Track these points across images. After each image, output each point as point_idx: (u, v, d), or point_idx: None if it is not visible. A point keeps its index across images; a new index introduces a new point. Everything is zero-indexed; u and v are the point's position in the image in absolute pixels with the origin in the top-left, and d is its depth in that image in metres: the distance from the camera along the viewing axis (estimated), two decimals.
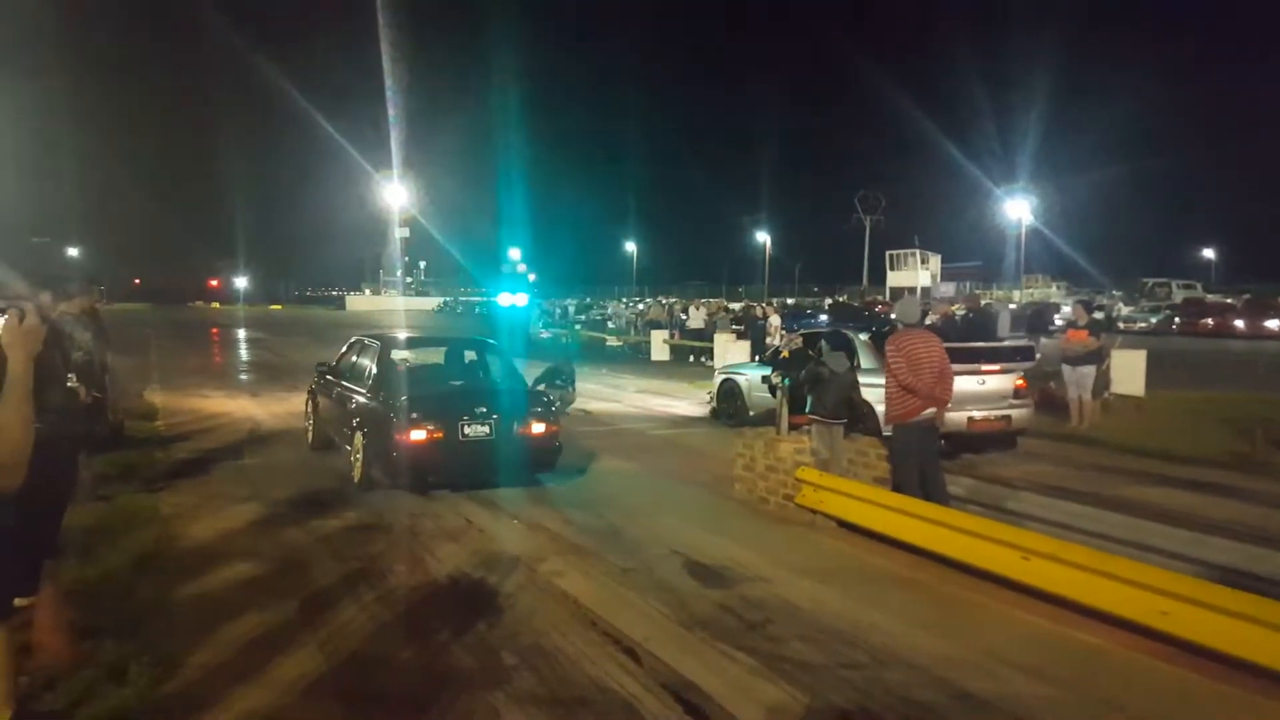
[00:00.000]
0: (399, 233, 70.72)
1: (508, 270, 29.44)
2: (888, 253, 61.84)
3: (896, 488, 6.97)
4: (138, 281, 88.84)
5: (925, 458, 7.03)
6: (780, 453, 7.89)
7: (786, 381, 8.42)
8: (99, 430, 8.04)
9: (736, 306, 37.00)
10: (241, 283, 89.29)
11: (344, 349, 10.10)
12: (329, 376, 9.91)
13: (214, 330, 41.73)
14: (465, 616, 5.07)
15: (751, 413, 12.03)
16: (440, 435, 7.83)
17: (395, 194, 62.16)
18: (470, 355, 9.91)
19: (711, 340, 22.74)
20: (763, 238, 68.94)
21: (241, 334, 39.08)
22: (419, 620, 5.05)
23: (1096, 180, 67.85)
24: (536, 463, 8.50)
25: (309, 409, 10.48)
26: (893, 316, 9.49)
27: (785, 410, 8.36)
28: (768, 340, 19.66)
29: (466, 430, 7.99)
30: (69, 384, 5.33)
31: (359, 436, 8.29)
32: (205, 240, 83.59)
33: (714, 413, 13.28)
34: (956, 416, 9.22)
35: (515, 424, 8.21)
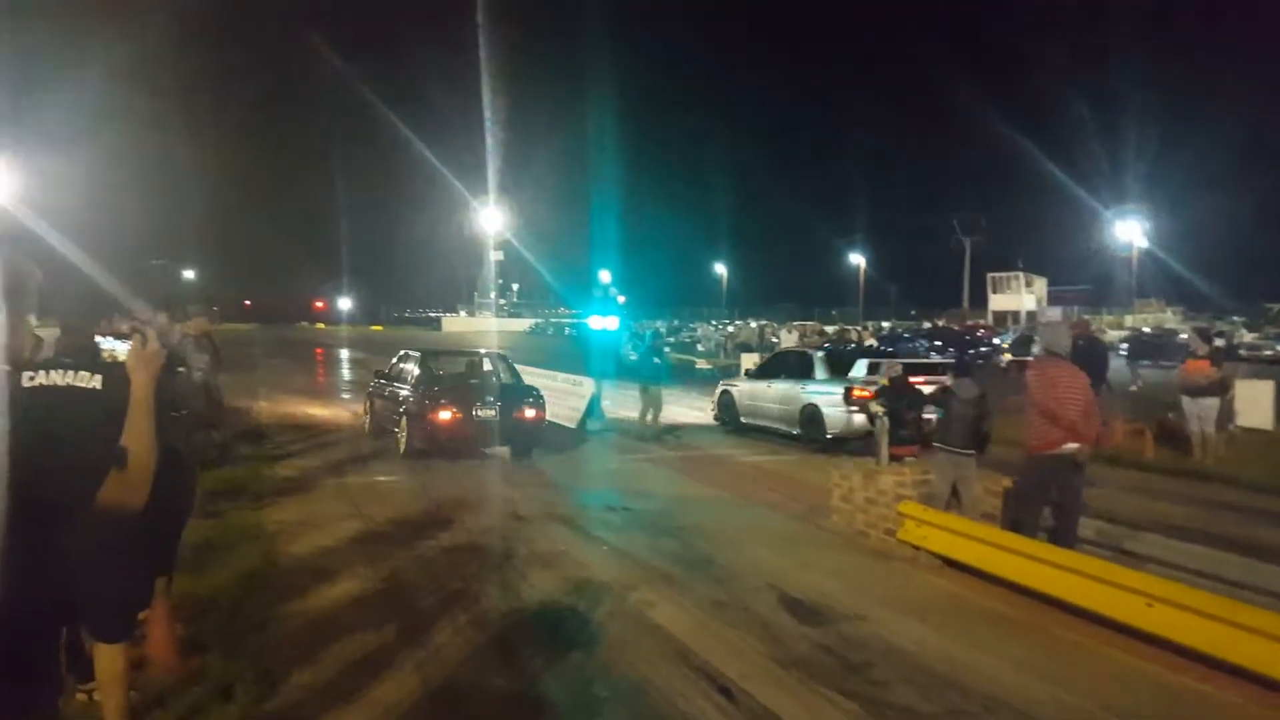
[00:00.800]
0: (493, 256, 72.46)
1: (599, 294, 29.70)
2: (989, 275, 59.92)
3: (1015, 524, 6.61)
4: (248, 303, 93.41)
5: (1063, 495, 6.65)
6: (881, 485, 7.63)
7: (876, 407, 8.19)
8: (212, 448, 8.39)
9: (830, 330, 36.43)
10: (345, 304, 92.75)
11: (394, 360, 12.97)
12: (382, 381, 12.94)
13: (318, 350, 43.34)
14: (557, 645, 5.02)
15: (742, 419, 14.45)
16: (460, 415, 10.88)
17: (491, 218, 63.77)
18: (486, 364, 13.01)
19: None
20: (857, 259, 67.68)
21: (344, 354, 40.45)
22: (512, 646, 5.03)
23: (1215, 199, 64.45)
24: (528, 435, 11.48)
25: (367, 407, 13.43)
26: (1034, 348, 9.15)
27: (885, 441, 8.10)
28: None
29: (477, 412, 11.02)
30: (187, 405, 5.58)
31: (404, 420, 11.28)
32: (312, 263, 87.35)
33: (716, 418, 15.23)
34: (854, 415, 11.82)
35: (513, 409, 11.20)
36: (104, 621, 3.37)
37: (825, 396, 12.35)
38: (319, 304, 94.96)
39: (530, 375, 18.10)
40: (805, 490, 9.46)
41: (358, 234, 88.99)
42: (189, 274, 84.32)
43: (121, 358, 2.46)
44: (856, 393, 11.06)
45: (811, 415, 12.57)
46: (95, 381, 2.76)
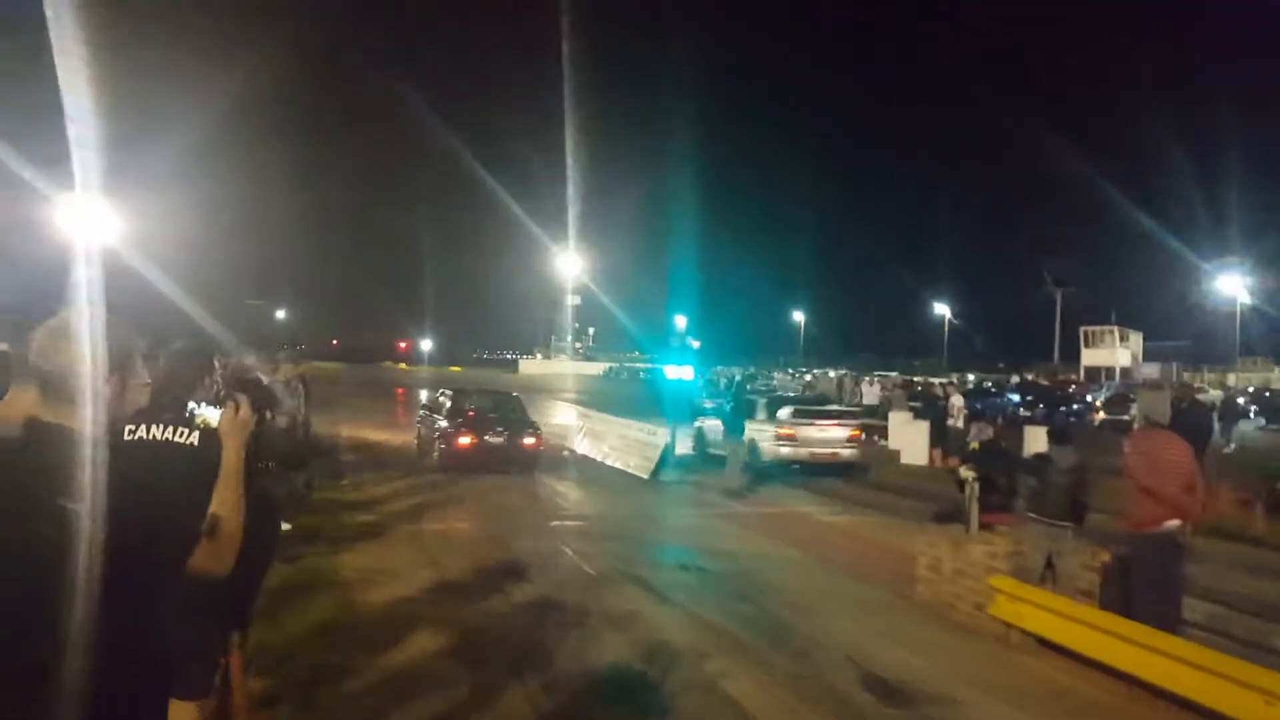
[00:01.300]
0: (570, 301, 73.39)
1: (675, 343, 29.60)
2: (1081, 329, 57.69)
3: (1122, 606, 6.19)
4: (335, 342, 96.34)
5: (1165, 574, 6.22)
6: (971, 555, 7.27)
7: (966, 472, 7.83)
8: (296, 494, 8.45)
9: (913, 381, 35.59)
10: (427, 345, 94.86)
11: (436, 395, 16.71)
12: (425, 412, 16.87)
13: (399, 390, 44.09)
14: (629, 714, 4.85)
15: (710, 450, 16.57)
16: (476, 440, 14.06)
17: (569, 264, 64.66)
18: (502, 401, 16.59)
19: (885, 418, 21.83)
20: (941, 309, 65.89)
21: (423, 394, 41.12)
22: (583, 714, 4.87)
23: None
24: (528, 459, 14.42)
25: (418, 433, 16.63)
26: (1132, 412, 8.76)
27: (975, 508, 7.74)
28: (949, 423, 18.53)
29: (489, 438, 14.14)
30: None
31: (438, 442, 14.50)
32: (396, 305, 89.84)
33: (694, 448, 17.14)
34: (801, 452, 15.76)
35: (517, 438, 14.35)
36: (182, 679, 3.35)
37: (762, 432, 15.83)
38: (402, 345, 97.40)
39: (603, 422, 18.21)
40: (887, 555, 9.10)
41: (441, 277, 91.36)
42: (281, 314, 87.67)
43: (213, 423, 2.44)
44: (958, 467, 10.40)
45: (751, 447, 15.30)
46: (192, 438, 2.77)
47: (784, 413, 16.26)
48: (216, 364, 4.17)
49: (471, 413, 14.94)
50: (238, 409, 2.42)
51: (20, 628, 1.75)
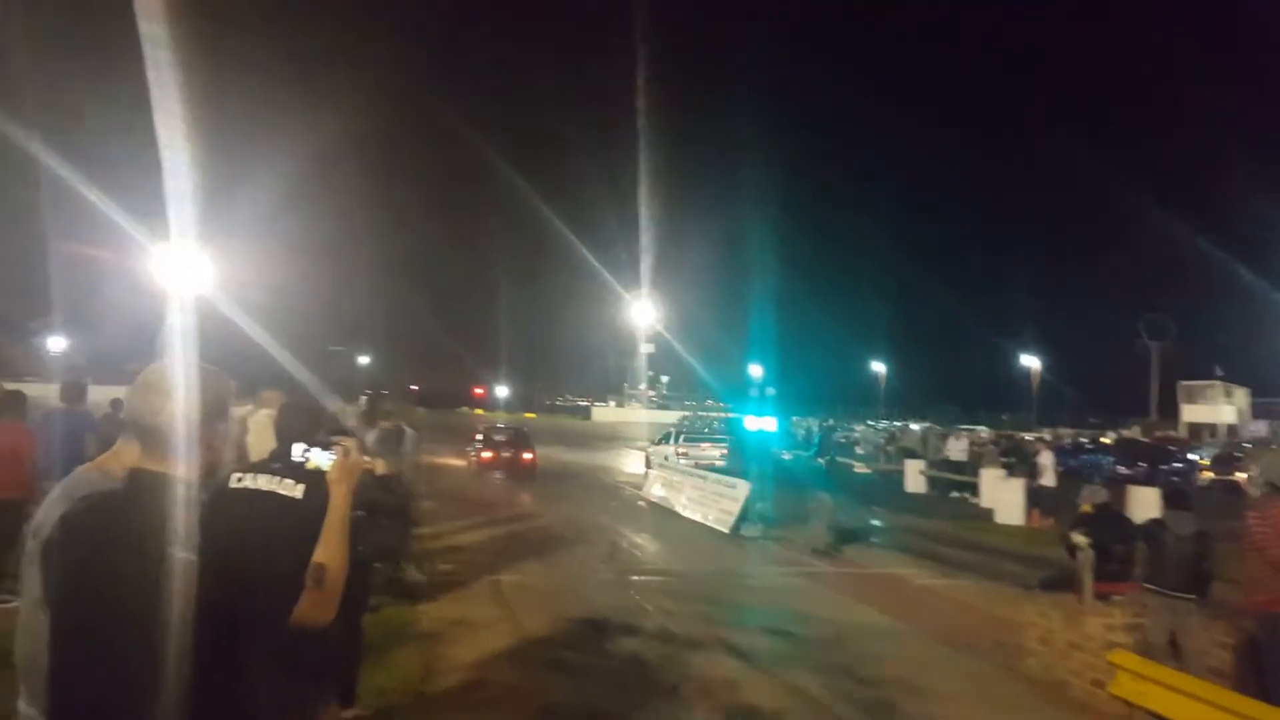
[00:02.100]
0: (644, 348, 73.42)
1: (755, 393, 29.14)
2: (1181, 384, 54.88)
3: (1248, 686, 5.58)
4: (414, 387, 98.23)
5: None
6: (1087, 628, 6.72)
7: (1078, 538, 7.26)
8: (394, 543, 8.26)
9: (1001, 436, 34.30)
10: (502, 392, 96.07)
11: (477, 431, 25.36)
12: (474, 439, 24.80)
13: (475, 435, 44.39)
14: None
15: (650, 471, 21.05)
16: (494, 455, 22.87)
17: (643, 311, 64.97)
18: (513, 432, 25.38)
19: (974, 474, 20.94)
20: (1030, 361, 63.30)
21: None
22: None
23: None
24: (525, 469, 22.32)
25: (467, 454, 24.41)
26: (1244, 472, 8.11)
27: (1089, 577, 7.18)
28: (1039, 481, 17.62)
29: (501, 454, 22.75)
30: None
31: (473, 456, 23.72)
32: (473, 351, 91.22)
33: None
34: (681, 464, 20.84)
35: (520, 453, 22.94)
36: None
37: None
38: (478, 391, 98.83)
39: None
40: (991, 624, 8.51)
41: (516, 324, 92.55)
42: (364, 360, 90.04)
43: (324, 467, 2.39)
44: (1070, 532, 9.66)
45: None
46: (297, 491, 2.72)
47: (675, 439, 25.77)
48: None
49: (493, 439, 24.25)
50: (348, 453, 2.36)
51: (121, 675, 1.74)
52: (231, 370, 2.11)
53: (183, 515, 1.80)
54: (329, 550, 2.23)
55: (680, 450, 23.60)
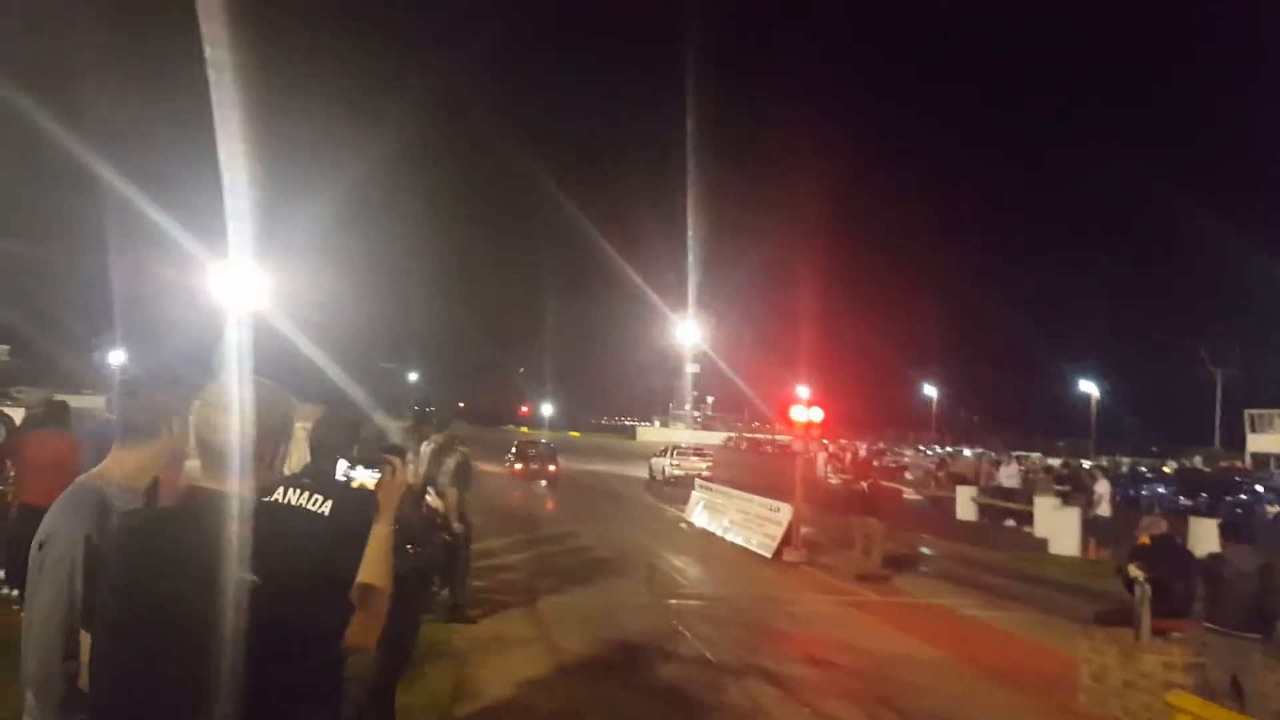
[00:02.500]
0: (689, 368, 73.23)
1: (799, 412, 28.69)
2: (1247, 412, 52.82)
3: None
4: (461, 404, 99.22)
5: None
6: (1144, 666, 6.42)
7: (1134, 571, 6.93)
8: (447, 566, 8.15)
9: (1055, 463, 33.36)
10: (547, 410, 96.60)
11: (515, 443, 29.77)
12: (510, 453, 28.73)
13: (511, 449, 44.45)
14: None
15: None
16: (526, 466, 27.70)
17: (688, 331, 64.78)
18: (542, 447, 29.98)
19: (1028, 502, 20.33)
20: (1088, 387, 61.45)
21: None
22: None
23: None
24: (551, 478, 26.87)
25: (506, 462, 27.42)
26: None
27: (1147, 613, 6.86)
28: (1095, 512, 17.03)
29: (531, 466, 27.65)
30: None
31: (509, 466, 28.06)
32: (520, 369, 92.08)
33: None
34: (675, 471, 29.23)
35: (546, 465, 27.66)
36: None
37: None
38: (523, 409, 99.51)
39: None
40: (1041, 658, 8.18)
41: (562, 343, 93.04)
42: (414, 376, 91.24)
43: (369, 485, 2.35)
44: (1127, 564, 9.16)
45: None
46: (324, 507, 2.61)
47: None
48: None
49: (526, 453, 28.77)
50: (394, 471, 2.32)
51: (174, 695, 1.74)
52: (280, 384, 2.10)
53: (241, 534, 1.80)
54: (373, 570, 2.17)
55: (674, 461, 30.45)
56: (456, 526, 8.43)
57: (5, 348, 53.62)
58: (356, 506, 2.34)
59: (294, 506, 2.61)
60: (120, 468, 2.34)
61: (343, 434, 3.33)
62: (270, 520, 2.45)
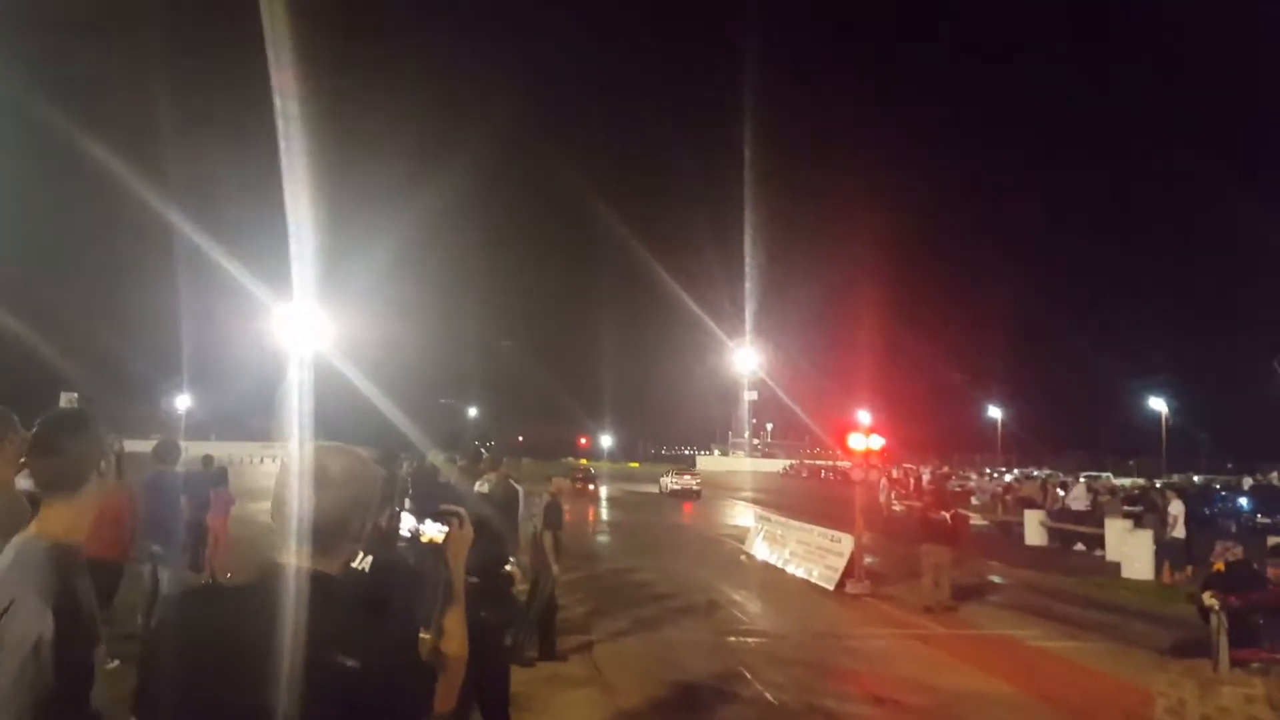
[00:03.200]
0: (747, 396, 72.96)
1: (859, 438, 28.30)
2: None
3: None
4: (520, 439, 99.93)
5: None
6: (1223, 700, 6.16)
7: (1210, 600, 6.67)
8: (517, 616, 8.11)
9: (1125, 483, 32.31)
10: (606, 441, 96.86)
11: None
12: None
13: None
14: None
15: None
16: (583, 486, 36.38)
17: (746, 359, 64.60)
18: (586, 471, 42.92)
19: (1098, 524, 19.73)
20: (1158, 405, 59.40)
21: (604, 491, 41.40)
22: None
23: None
24: (593, 496, 36.97)
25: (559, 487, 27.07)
26: None
27: (1224, 642, 6.62)
28: (1168, 533, 16.42)
29: (576, 485, 30.60)
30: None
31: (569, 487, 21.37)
32: (578, 401, 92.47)
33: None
34: (674, 486, 40.91)
35: (587, 485, 37.82)
36: None
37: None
38: (583, 440, 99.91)
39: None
40: (1115, 692, 7.90)
41: (620, 374, 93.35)
42: (473, 411, 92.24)
43: (438, 539, 2.20)
44: (1202, 592, 8.80)
45: None
46: (364, 563, 2.58)
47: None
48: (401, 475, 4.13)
49: (574, 477, 29.58)
50: (461, 524, 2.21)
51: None
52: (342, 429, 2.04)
53: (337, 616, 1.64)
54: (448, 632, 2.07)
55: (672, 480, 40.36)
56: (555, 570, 8.50)
57: (74, 395, 55.77)
58: (395, 565, 2.27)
59: (387, 569, 2.49)
60: (59, 522, 2.11)
61: (391, 485, 3.30)
62: (360, 594, 2.47)
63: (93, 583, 2.20)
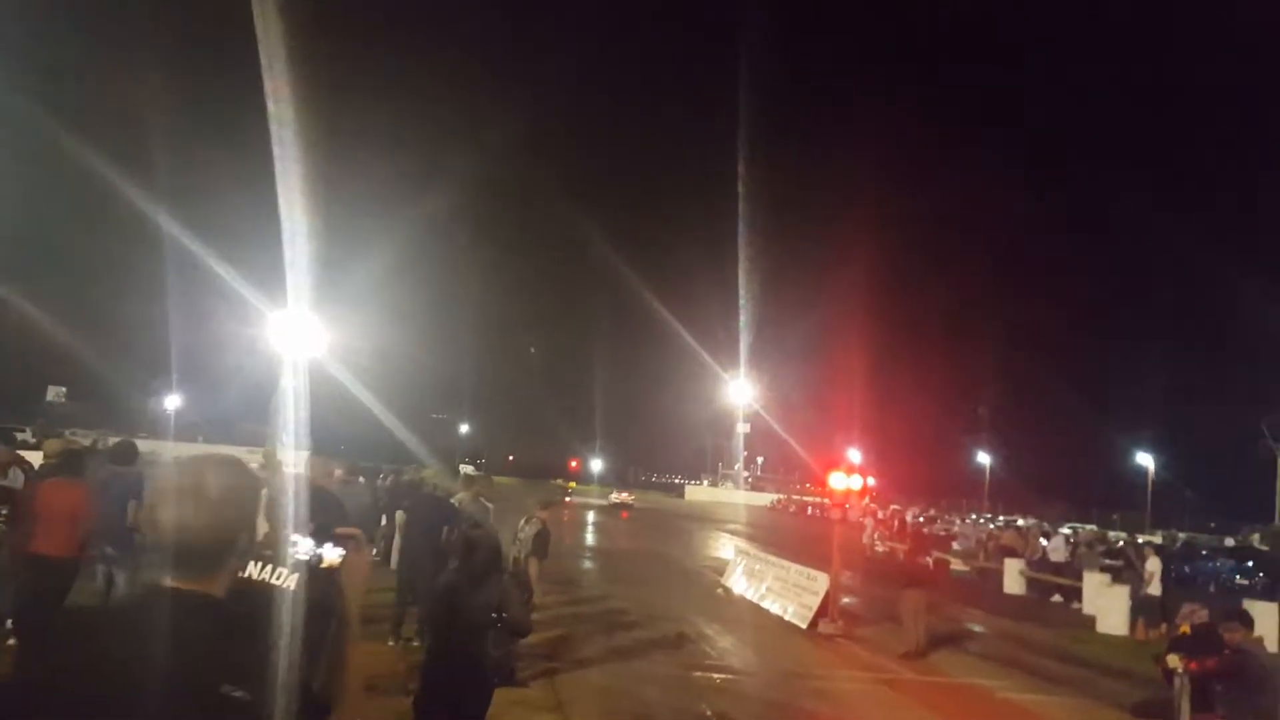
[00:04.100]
0: (740, 428, 72.74)
1: (843, 477, 28.24)
2: None
3: None
4: (511, 458, 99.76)
5: None
6: None
7: (1174, 662, 6.63)
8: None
9: (1111, 535, 32.23)
10: (597, 465, 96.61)
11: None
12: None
13: (566, 513, 44.37)
14: None
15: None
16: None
17: (739, 391, 64.52)
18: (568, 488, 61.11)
19: (1077, 577, 19.66)
20: (1145, 460, 59.36)
21: (591, 516, 41.25)
22: None
23: None
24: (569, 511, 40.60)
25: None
26: None
27: (1187, 708, 6.58)
28: (1144, 591, 16.34)
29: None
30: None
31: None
32: (570, 425, 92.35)
33: None
34: (615, 500, 55.19)
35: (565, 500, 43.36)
36: None
37: None
38: (573, 464, 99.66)
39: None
40: None
41: (612, 399, 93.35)
42: (465, 428, 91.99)
43: (335, 563, 2.19)
44: (1165, 655, 8.74)
45: None
46: (290, 581, 2.36)
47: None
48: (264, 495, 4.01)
49: (557, 500, 27.67)
50: (359, 548, 2.29)
51: None
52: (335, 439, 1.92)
53: (222, 642, 1.54)
54: (337, 659, 2.02)
55: (614, 497, 50.96)
56: (537, 599, 8.45)
57: (62, 389, 55.39)
58: (327, 580, 2.15)
59: (259, 582, 2.31)
60: None
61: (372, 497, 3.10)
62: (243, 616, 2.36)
63: (43, 580, 2.12)
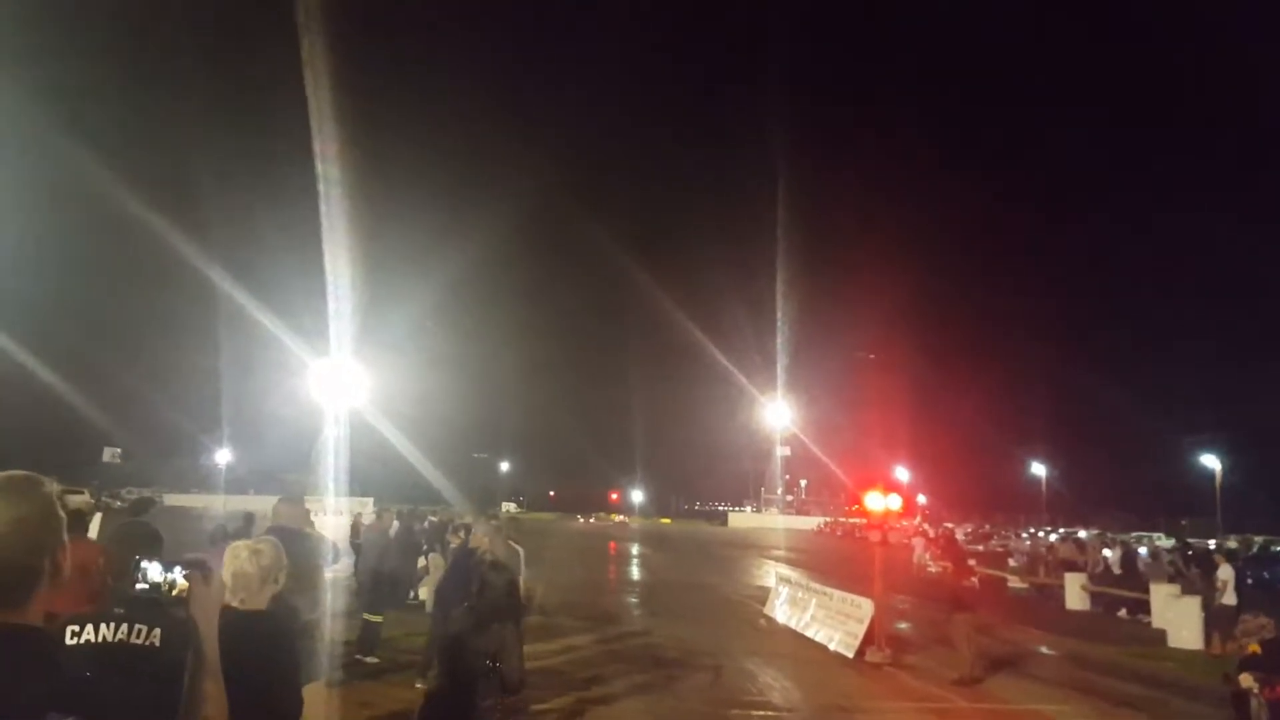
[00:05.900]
0: (779, 452, 71.80)
1: (874, 504, 27.53)
2: None
3: None
4: (552, 494, 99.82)
5: None
6: None
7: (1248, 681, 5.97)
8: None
9: (1168, 544, 30.84)
10: (637, 497, 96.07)
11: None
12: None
13: (611, 545, 43.62)
14: None
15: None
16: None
17: (778, 414, 63.73)
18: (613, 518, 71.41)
19: (1143, 590, 18.65)
20: (1211, 463, 56.71)
21: (635, 549, 40.54)
22: None
23: None
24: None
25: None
26: None
27: None
28: (1218, 601, 15.37)
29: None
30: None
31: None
32: (608, 458, 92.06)
33: None
34: (593, 521, 70.26)
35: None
36: None
37: None
38: (614, 496, 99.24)
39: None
40: None
41: (651, 430, 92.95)
42: (505, 466, 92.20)
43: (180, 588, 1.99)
44: (1237, 675, 8.02)
45: None
46: (153, 637, 2.04)
47: None
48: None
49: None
50: (208, 580, 1.98)
51: None
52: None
53: (47, 672, 1.54)
54: (209, 682, 1.91)
55: (592, 518, 52.88)
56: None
57: (117, 450, 56.30)
58: (184, 629, 1.95)
59: (115, 644, 2.04)
60: None
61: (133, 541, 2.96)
62: (88, 669, 2.01)
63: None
